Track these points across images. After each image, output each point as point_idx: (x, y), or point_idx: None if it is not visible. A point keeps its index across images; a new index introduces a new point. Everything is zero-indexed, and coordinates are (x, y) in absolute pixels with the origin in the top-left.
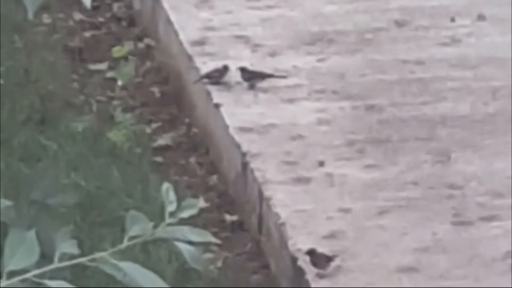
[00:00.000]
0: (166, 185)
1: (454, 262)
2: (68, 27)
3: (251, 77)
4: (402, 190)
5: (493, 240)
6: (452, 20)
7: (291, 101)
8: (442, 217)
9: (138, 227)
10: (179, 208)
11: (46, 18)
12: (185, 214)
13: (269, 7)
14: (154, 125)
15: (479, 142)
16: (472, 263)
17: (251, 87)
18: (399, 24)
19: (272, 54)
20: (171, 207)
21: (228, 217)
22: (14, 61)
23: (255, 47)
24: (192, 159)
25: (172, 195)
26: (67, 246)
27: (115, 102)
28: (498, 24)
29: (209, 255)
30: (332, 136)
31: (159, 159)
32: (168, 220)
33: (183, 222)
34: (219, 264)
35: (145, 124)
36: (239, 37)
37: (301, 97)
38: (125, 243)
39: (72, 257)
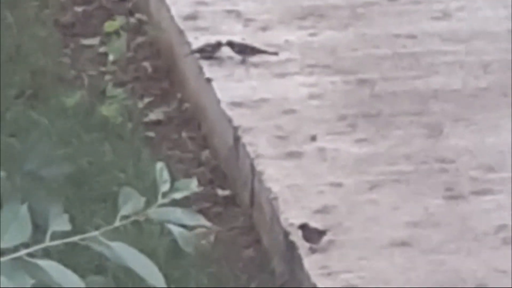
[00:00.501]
0: (160, 165)
1: (446, 236)
2: (59, 2)
3: (241, 50)
4: (394, 165)
5: (485, 214)
6: None
7: (282, 75)
8: (434, 191)
9: (131, 205)
10: (172, 188)
11: None
12: (178, 195)
13: None
14: (145, 100)
15: (471, 116)
16: (464, 237)
17: (243, 62)
18: None
19: (264, 29)
20: (164, 187)
21: (220, 192)
22: (5, 37)
23: (247, 21)
24: (184, 134)
25: (165, 175)
26: (59, 223)
27: (107, 77)
28: None
29: (201, 230)
30: (324, 110)
31: (151, 134)
32: (160, 200)
33: (175, 201)
34: (211, 238)
35: (137, 99)
36: (230, 11)
37: (293, 71)
38: (117, 222)
39: (64, 234)
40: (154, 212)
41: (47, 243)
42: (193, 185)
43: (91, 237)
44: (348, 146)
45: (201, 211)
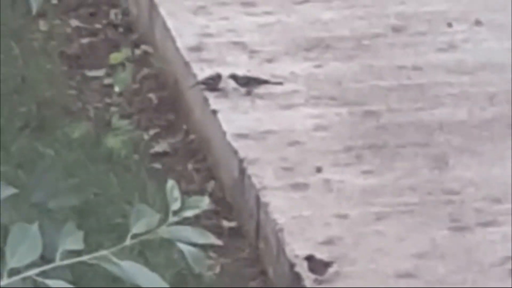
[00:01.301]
0: (170, 183)
1: (452, 268)
2: (65, 34)
3: (246, 82)
4: (400, 196)
5: (491, 245)
6: (449, 25)
7: (288, 107)
8: (439, 223)
9: (144, 222)
10: (183, 207)
11: (42, 25)
12: (189, 213)
13: (266, 13)
14: (151, 132)
15: (477, 147)
16: (470, 268)
17: (248, 93)
18: (396, 29)
19: (269, 60)
20: (175, 205)
21: (226, 223)
22: (11, 68)
23: (252, 53)
24: (190, 166)
25: (176, 193)
26: (72, 241)
27: (113, 109)
28: (495, 29)
29: (206, 262)
30: (330, 142)
31: (156, 165)
32: (171, 218)
33: (182, 223)
34: (217, 270)
35: (143, 131)
36: (236, 43)
37: (298, 103)
38: (128, 241)
39: (74, 255)
40: (164, 231)
41: (57, 262)
42: (204, 203)
43: (102, 256)
44: (354, 177)
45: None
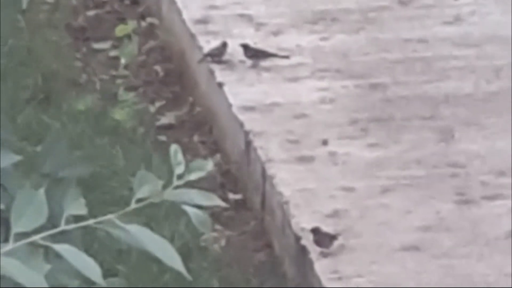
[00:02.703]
0: (174, 147)
1: (457, 241)
2: (71, 6)
3: (254, 55)
4: (405, 169)
5: (496, 218)
6: None
7: (294, 79)
8: (445, 196)
9: (147, 188)
10: (187, 170)
11: None
12: (193, 176)
13: None
14: (157, 104)
15: (482, 120)
16: (476, 241)
17: (254, 66)
18: (403, 2)
19: (276, 33)
20: (179, 169)
21: (232, 196)
22: (17, 41)
23: (259, 25)
24: (195, 138)
25: (180, 157)
26: (75, 207)
27: (119, 81)
28: (501, 2)
29: (212, 234)
30: (335, 115)
31: (162, 138)
32: (175, 182)
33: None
34: (223, 243)
35: (149, 103)
36: (242, 15)
37: (304, 76)
38: (133, 205)
39: (79, 220)
40: (169, 194)
41: (63, 227)
42: (208, 166)
43: (107, 220)
44: (360, 150)
45: (212, 215)
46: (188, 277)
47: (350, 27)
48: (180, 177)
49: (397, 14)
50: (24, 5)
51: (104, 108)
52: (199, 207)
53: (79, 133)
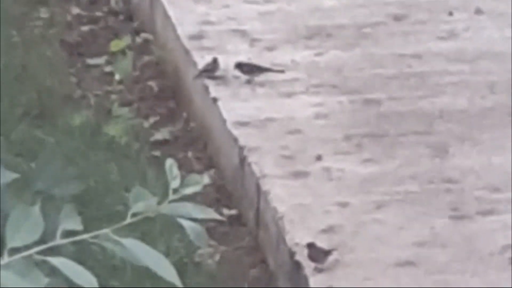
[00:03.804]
0: (169, 161)
1: (452, 257)
2: (65, 22)
3: (249, 70)
4: (400, 185)
5: (491, 234)
6: (450, 14)
7: (289, 95)
8: (440, 211)
9: (142, 204)
10: (183, 184)
11: (43, 13)
12: (188, 190)
13: (267, 1)
14: (151, 119)
15: (477, 136)
16: (470, 257)
17: (249, 81)
18: (397, 18)
19: (270, 48)
20: (174, 183)
21: (226, 212)
22: (11, 56)
23: (253, 41)
24: (190, 154)
25: (175, 171)
26: (71, 222)
27: (113, 96)
28: (496, 18)
29: (207, 250)
30: (330, 130)
31: (156, 153)
32: (171, 196)
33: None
34: (217, 258)
35: (143, 118)
36: (236, 31)
37: (299, 91)
38: (128, 219)
39: (74, 234)
40: (164, 208)
41: (58, 241)
42: (204, 180)
43: (102, 234)
44: (354, 166)
45: (206, 231)
46: (183, 286)
47: (345, 42)
48: (175, 191)
49: (392, 30)
50: None
51: (98, 124)
52: (194, 220)
53: (74, 148)
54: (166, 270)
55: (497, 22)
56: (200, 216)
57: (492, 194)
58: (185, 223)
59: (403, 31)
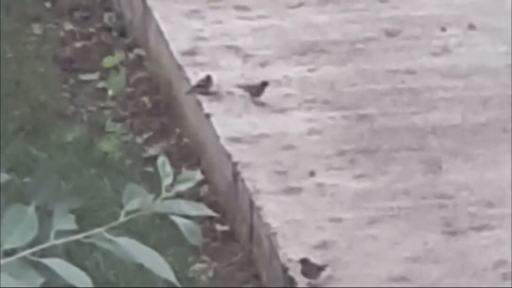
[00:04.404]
0: (161, 159)
1: (445, 272)
2: (58, 38)
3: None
4: (393, 200)
5: (484, 249)
6: (443, 29)
7: (281, 111)
8: (433, 227)
9: (136, 201)
10: (176, 181)
11: (36, 29)
12: (182, 187)
13: (260, 17)
14: (145, 135)
15: (470, 151)
16: (463, 272)
17: (242, 97)
18: (390, 33)
19: (263, 64)
20: (167, 181)
21: (219, 227)
22: (5, 72)
23: (246, 57)
24: (183, 169)
25: (168, 168)
26: (64, 222)
27: (106, 112)
28: (489, 34)
29: (199, 265)
30: (323, 146)
31: (150, 169)
32: (164, 194)
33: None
34: (210, 274)
35: (136, 134)
36: (230, 47)
37: (292, 107)
38: (122, 217)
39: (69, 234)
40: (158, 206)
41: (52, 241)
42: (197, 176)
43: (96, 234)
44: (347, 181)
45: (199, 247)
46: (179, 285)
47: (338, 58)
48: (168, 188)
49: (385, 45)
50: None
51: (91, 140)
52: (187, 217)
53: (67, 164)
54: (161, 267)
55: (490, 37)
56: (193, 213)
57: (485, 210)
58: (179, 220)
59: (396, 46)
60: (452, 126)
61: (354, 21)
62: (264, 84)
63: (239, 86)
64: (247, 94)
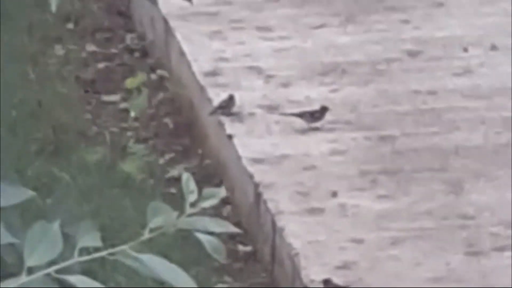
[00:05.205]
0: (186, 175)
1: None
2: (80, 59)
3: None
4: (415, 221)
5: (506, 270)
6: (465, 50)
7: (303, 131)
8: (455, 248)
9: (160, 218)
10: (200, 197)
11: (58, 50)
12: (206, 204)
13: (282, 38)
14: (167, 156)
15: (492, 172)
16: None
17: (264, 118)
18: (412, 54)
19: (285, 85)
20: (191, 197)
21: (241, 248)
22: (27, 93)
23: (268, 78)
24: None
25: (192, 185)
26: (89, 239)
27: (128, 133)
28: (511, 54)
29: (222, 286)
30: (345, 166)
31: (172, 190)
32: (188, 210)
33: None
34: None
35: (158, 155)
36: (251, 68)
37: (314, 127)
38: (146, 234)
39: (93, 251)
40: (182, 222)
41: (76, 258)
42: (221, 193)
43: (120, 251)
44: (369, 202)
45: (222, 267)
46: None
47: (360, 79)
48: (193, 205)
49: (406, 66)
50: (54, 8)
51: (113, 161)
52: (211, 234)
53: (89, 185)
54: (186, 284)
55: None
56: (217, 229)
57: (507, 230)
58: (202, 237)
59: (418, 67)
60: (474, 147)
61: (376, 42)
62: (324, 109)
63: (283, 114)
64: (274, 115)
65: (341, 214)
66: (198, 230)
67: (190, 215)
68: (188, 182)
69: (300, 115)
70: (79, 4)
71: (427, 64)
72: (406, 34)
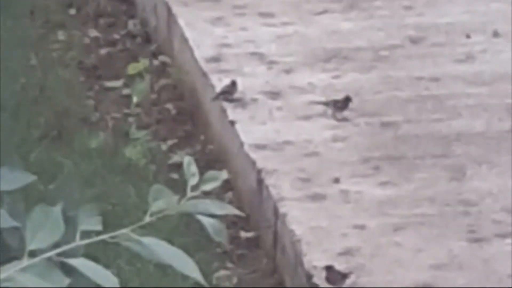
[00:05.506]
0: (187, 159)
1: (470, 279)
2: (83, 44)
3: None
4: (418, 207)
5: (508, 256)
6: (467, 36)
7: (306, 118)
8: (457, 234)
9: (161, 202)
10: (201, 181)
11: (61, 35)
12: (207, 186)
13: (284, 24)
14: (169, 142)
15: (495, 158)
16: (488, 280)
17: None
18: (414, 41)
19: (287, 71)
20: (193, 180)
21: (243, 234)
22: (29, 78)
23: (270, 64)
24: None
25: (193, 168)
26: (90, 222)
27: (131, 119)
28: None
29: (224, 272)
30: (347, 153)
31: (174, 176)
32: (190, 193)
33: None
34: (234, 280)
35: (161, 141)
36: (254, 54)
37: (316, 114)
38: (147, 218)
39: (94, 234)
40: (184, 205)
41: (77, 242)
42: (222, 176)
43: (122, 234)
44: (372, 188)
45: (224, 253)
46: (206, 284)
47: (362, 65)
48: (194, 188)
49: (409, 52)
50: None
51: (116, 146)
52: (213, 217)
53: (91, 171)
54: (189, 267)
55: None
56: (219, 212)
57: (509, 217)
58: (204, 219)
59: (421, 54)
60: (476, 133)
61: (379, 28)
62: (348, 99)
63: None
64: (272, 101)
65: (343, 200)
66: (200, 213)
67: (192, 198)
68: (190, 166)
69: (326, 103)
70: None
71: (430, 51)
72: (408, 20)
